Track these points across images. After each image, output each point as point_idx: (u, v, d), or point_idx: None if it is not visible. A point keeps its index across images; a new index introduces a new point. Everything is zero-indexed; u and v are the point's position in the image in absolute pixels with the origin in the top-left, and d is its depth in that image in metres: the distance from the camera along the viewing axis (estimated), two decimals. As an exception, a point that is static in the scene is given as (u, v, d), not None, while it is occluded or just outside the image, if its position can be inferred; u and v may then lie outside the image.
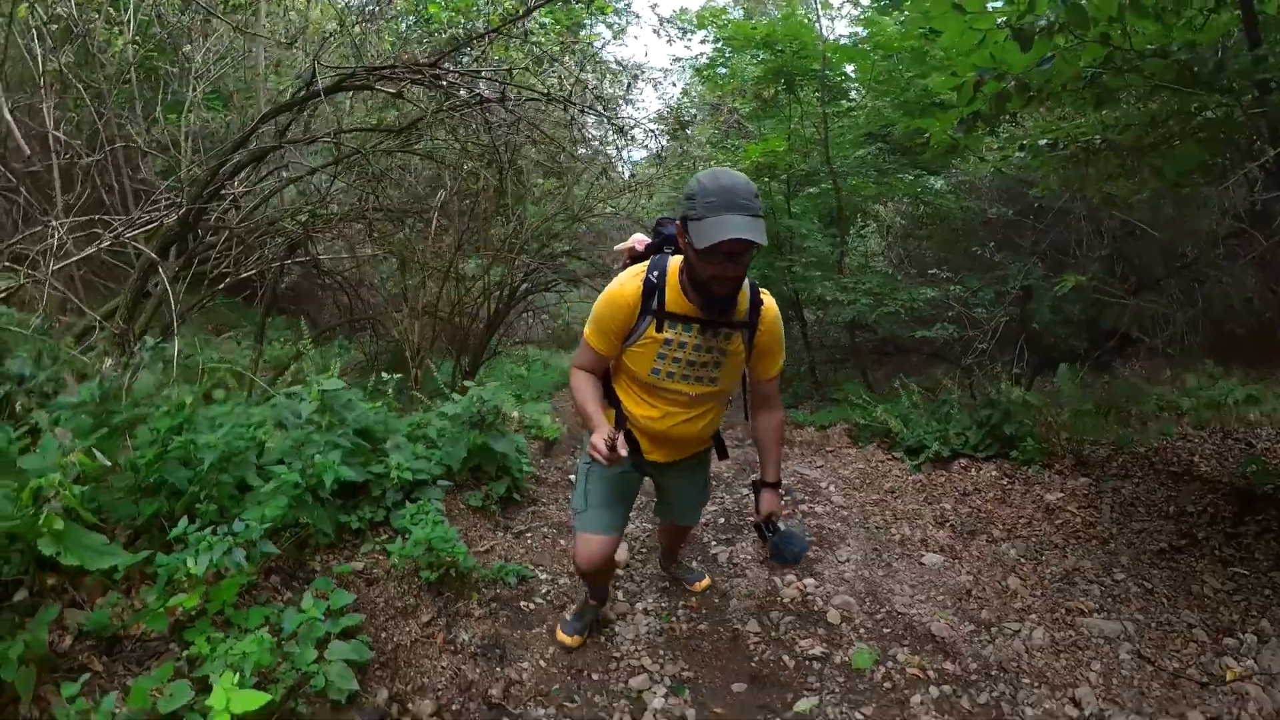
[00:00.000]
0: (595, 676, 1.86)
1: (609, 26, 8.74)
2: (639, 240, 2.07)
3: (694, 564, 2.67)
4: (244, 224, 3.18)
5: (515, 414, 3.76)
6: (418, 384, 4.26)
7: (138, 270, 2.45)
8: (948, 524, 2.87)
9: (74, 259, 2.39)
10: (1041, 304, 3.85)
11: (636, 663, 1.91)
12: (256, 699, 1.11)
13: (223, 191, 2.95)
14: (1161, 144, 2.38)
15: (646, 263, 1.75)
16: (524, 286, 5.58)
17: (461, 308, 5.08)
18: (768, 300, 1.77)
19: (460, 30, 3.04)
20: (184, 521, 1.42)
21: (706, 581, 2.53)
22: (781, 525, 1.83)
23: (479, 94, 2.86)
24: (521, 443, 3.13)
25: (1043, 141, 2.44)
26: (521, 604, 2.08)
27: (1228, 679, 1.86)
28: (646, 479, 1.99)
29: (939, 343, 3.97)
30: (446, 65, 2.71)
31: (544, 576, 2.30)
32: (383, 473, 2.20)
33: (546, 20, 4.37)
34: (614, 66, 4.70)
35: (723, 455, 2.03)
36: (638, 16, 11.77)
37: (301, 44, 3.36)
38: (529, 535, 2.62)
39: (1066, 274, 2.78)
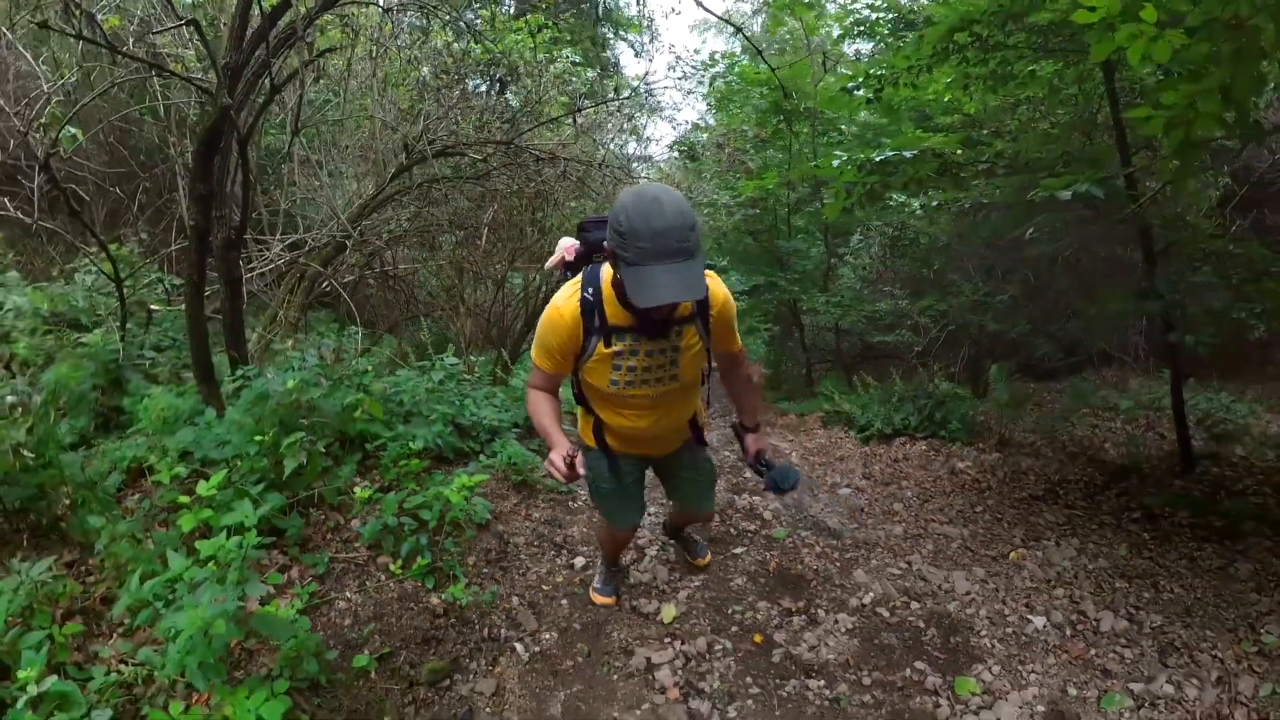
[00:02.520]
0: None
1: (631, 45, 10.29)
2: (568, 248, 2.20)
3: (698, 538, 3.04)
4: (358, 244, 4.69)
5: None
6: (470, 370, 5.75)
7: (306, 280, 3.96)
8: (871, 477, 4.26)
9: (269, 266, 3.89)
10: (985, 316, 5.23)
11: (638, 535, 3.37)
12: (459, 497, 2.56)
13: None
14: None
15: (579, 278, 1.84)
16: (556, 286, 7.05)
17: (504, 308, 6.56)
18: (713, 285, 1.84)
19: (526, 113, 4.52)
20: (401, 426, 2.91)
21: (708, 558, 2.93)
22: (774, 461, 2.05)
23: (536, 154, 4.36)
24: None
25: (934, 203, 3.86)
26: (568, 503, 3.55)
27: (1010, 557, 3.25)
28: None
29: (900, 346, 5.38)
30: (513, 140, 4.21)
31: (581, 493, 3.78)
32: (476, 421, 3.67)
33: (578, 57, 5.83)
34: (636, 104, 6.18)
35: (700, 441, 2.23)
36: (658, 43, 13.25)
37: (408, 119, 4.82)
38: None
39: (928, 296, 4.18)
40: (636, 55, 11.90)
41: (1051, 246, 3.70)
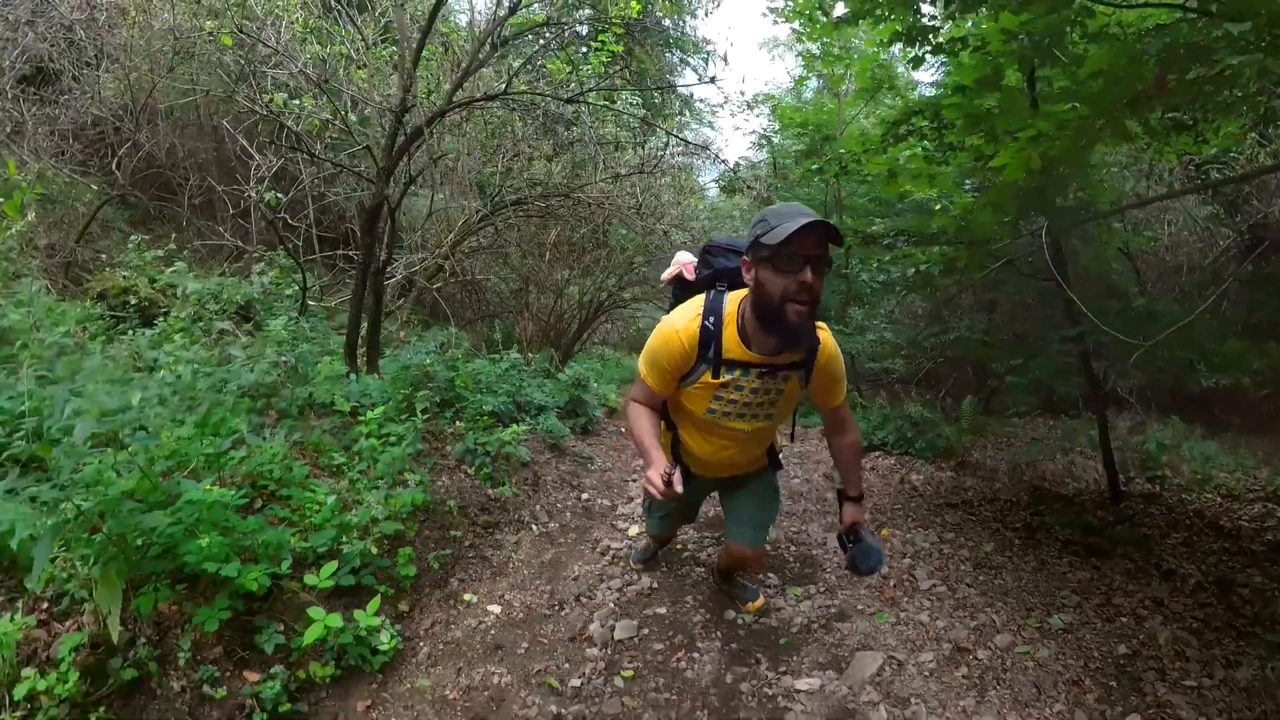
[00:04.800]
0: (623, 489, 5.15)
1: (694, 70, 12.06)
2: (685, 265, 2.46)
3: (748, 583, 3.26)
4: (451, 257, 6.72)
5: (595, 385, 7.15)
6: (528, 363, 7.70)
7: (415, 290, 5.99)
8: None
9: (392, 280, 5.94)
10: (965, 353, 6.68)
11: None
12: (510, 437, 4.43)
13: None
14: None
15: (700, 303, 2.03)
16: (606, 303, 8.94)
17: (560, 315, 8.48)
18: (824, 335, 2.02)
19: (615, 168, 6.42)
20: (479, 395, 4.83)
21: (761, 602, 3.14)
22: (863, 536, 2.18)
23: (589, 201, 6.27)
24: (596, 400, 6.50)
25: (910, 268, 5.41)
26: (589, 465, 5.38)
27: (882, 534, 4.77)
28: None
29: (891, 372, 6.96)
30: (572, 192, 6.15)
31: (598, 459, 5.60)
32: (529, 399, 5.56)
33: (636, 99, 7.65)
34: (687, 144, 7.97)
35: (775, 466, 2.44)
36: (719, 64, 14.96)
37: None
38: (591, 444, 5.93)
39: (923, 330, 5.76)
40: (700, 80, 13.71)
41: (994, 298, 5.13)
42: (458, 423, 4.29)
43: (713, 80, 5.32)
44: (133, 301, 5.02)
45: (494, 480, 4.11)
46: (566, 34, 5.30)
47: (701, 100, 9.36)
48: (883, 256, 5.28)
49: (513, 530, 3.93)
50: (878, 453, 6.39)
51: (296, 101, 4.98)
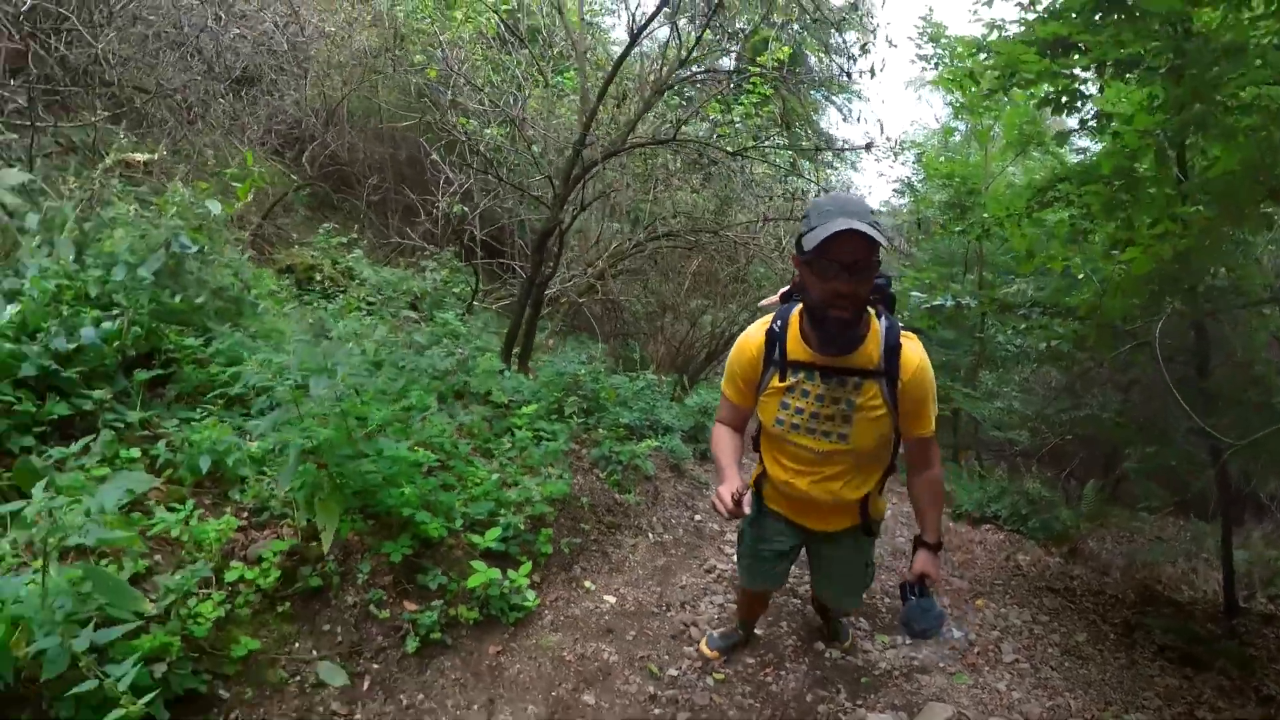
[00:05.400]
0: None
1: (839, 109, 12.28)
2: (781, 292, 2.53)
3: (842, 620, 3.39)
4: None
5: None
6: (659, 384, 8.29)
7: (569, 306, 6.70)
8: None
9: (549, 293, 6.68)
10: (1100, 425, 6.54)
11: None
12: (641, 451, 4.96)
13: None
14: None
15: (775, 313, 2.12)
16: (739, 334, 9.43)
17: (691, 343, 9.01)
18: (909, 345, 1.96)
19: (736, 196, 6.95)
20: (617, 408, 5.41)
21: (850, 642, 3.32)
22: (928, 592, 2.10)
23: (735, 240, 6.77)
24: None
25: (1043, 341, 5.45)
26: (704, 490, 5.80)
27: (976, 603, 4.82)
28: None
29: (1014, 442, 6.98)
30: (719, 230, 6.68)
31: (714, 485, 6.02)
32: (658, 419, 6.09)
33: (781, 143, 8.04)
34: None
35: (867, 531, 2.32)
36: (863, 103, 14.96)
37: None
38: (708, 471, 6.32)
39: (1056, 403, 5.81)
40: (845, 119, 13.90)
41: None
42: (600, 430, 4.86)
43: (868, 148, 5.59)
44: (316, 278, 5.94)
45: (621, 487, 4.64)
46: (723, 82, 5.79)
47: (845, 140, 9.61)
48: (1018, 323, 5.38)
49: (632, 534, 4.44)
50: (988, 526, 6.46)
51: (489, 130, 5.83)
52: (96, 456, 2.36)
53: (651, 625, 3.49)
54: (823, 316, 1.90)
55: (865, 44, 5.53)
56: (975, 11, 4.26)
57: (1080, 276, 4.69)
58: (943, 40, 6.68)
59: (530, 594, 3.09)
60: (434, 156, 6.37)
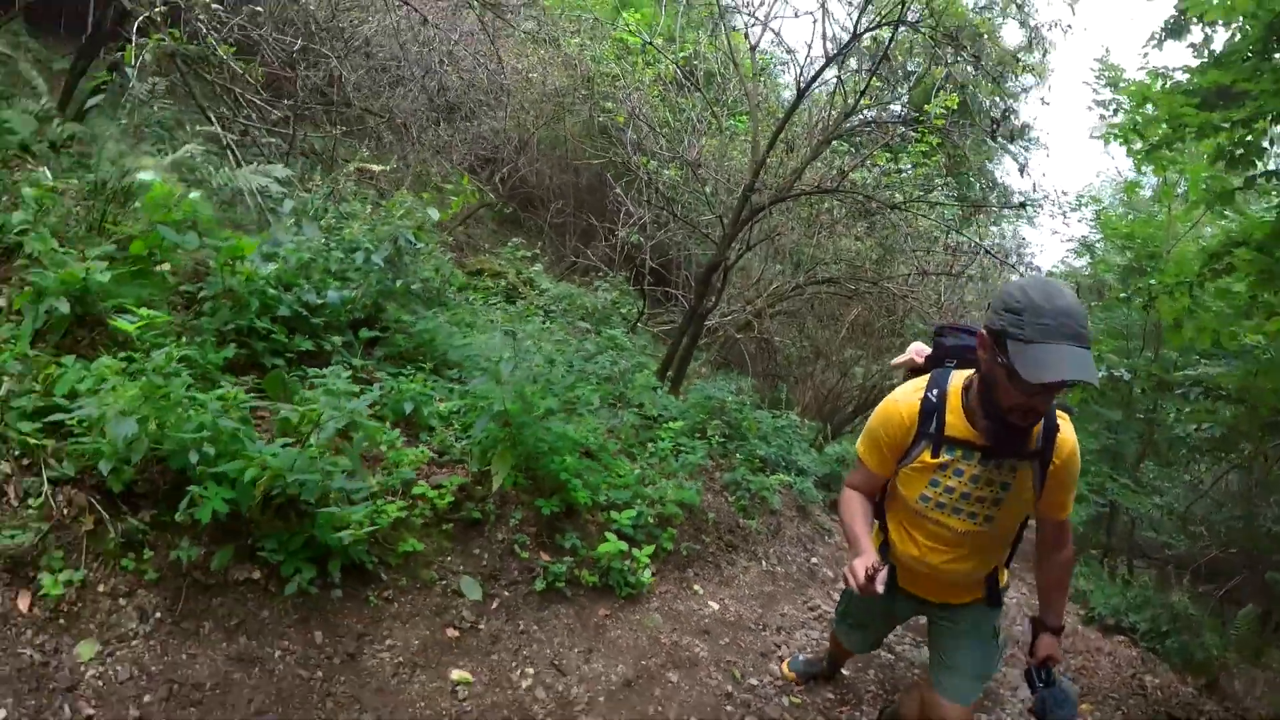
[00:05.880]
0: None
1: (1014, 158, 11.86)
2: (918, 352, 2.48)
3: None
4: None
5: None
6: (801, 428, 8.53)
7: (725, 339, 7.16)
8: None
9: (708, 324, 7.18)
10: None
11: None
12: (771, 484, 5.33)
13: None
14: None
15: (926, 378, 2.01)
16: (890, 390, 9.45)
17: (839, 393, 9.17)
18: (1065, 428, 1.90)
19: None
20: (755, 440, 5.77)
21: None
22: (1057, 679, 2.01)
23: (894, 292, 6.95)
24: None
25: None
26: (826, 537, 6.02)
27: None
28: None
29: (1167, 547, 6.47)
30: (879, 281, 6.88)
31: (836, 536, 6.12)
32: (795, 460, 6.34)
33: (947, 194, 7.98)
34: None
35: (993, 603, 2.21)
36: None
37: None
38: (835, 521, 6.50)
39: (1223, 510, 5.39)
40: (1021, 171, 13.35)
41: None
42: (736, 456, 5.26)
43: (1022, 206, 5.56)
44: (502, 284, 6.76)
45: (746, 513, 4.98)
46: (891, 132, 5.99)
47: (1020, 193, 9.18)
48: (1179, 405, 5.05)
49: (747, 558, 4.77)
50: (1121, 638, 6.12)
51: (667, 171, 6.47)
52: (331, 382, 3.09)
53: (745, 638, 3.81)
54: (1002, 418, 1.84)
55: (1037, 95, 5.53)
56: (1145, 54, 4.07)
57: (1266, 356, 4.34)
58: (1120, 85, 6.33)
59: (647, 575, 3.53)
60: (618, 190, 7.12)
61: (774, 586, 4.64)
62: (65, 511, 2.44)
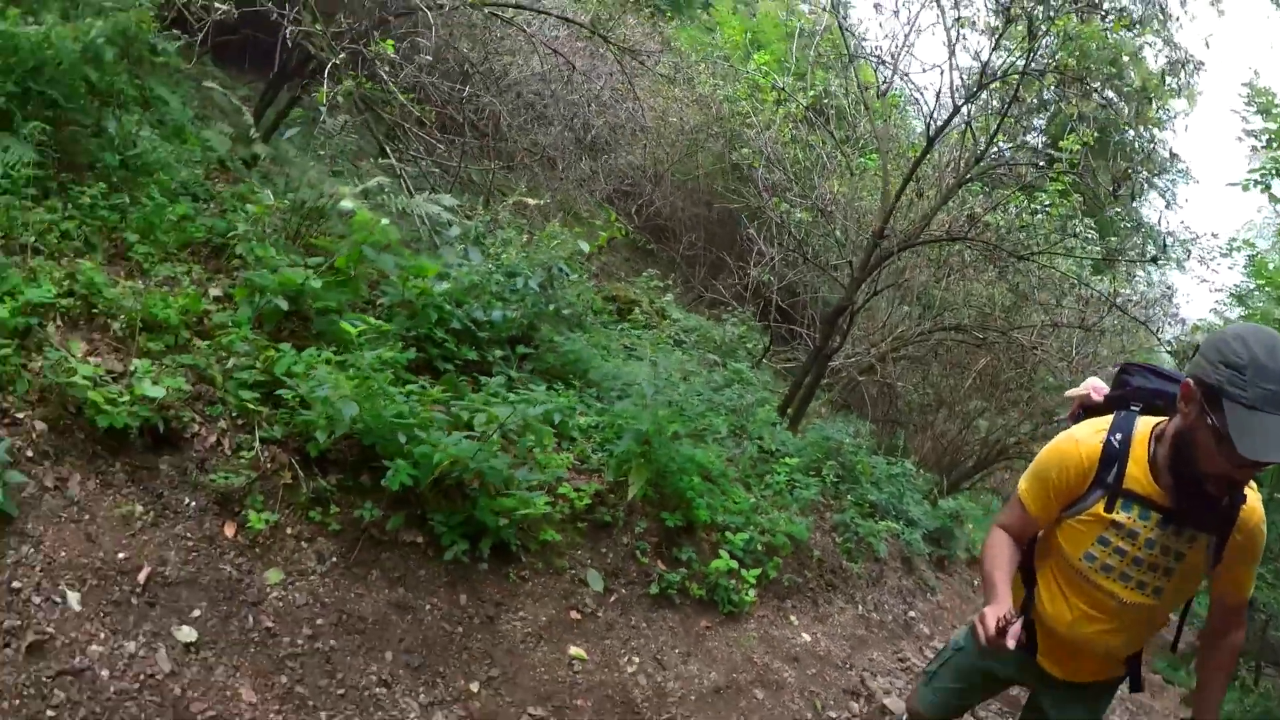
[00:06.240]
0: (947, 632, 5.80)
1: (1161, 194, 11.15)
2: (1095, 388, 2.20)
3: None
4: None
5: (969, 527, 7.71)
6: (916, 478, 8.51)
7: (848, 381, 7.35)
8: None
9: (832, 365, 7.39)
10: None
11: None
12: (879, 529, 5.50)
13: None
14: None
15: (1108, 419, 1.81)
16: (1012, 449, 9.23)
17: (960, 446, 9.07)
18: (1253, 498, 1.71)
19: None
20: (868, 484, 5.96)
21: None
22: None
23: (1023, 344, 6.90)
24: (965, 541, 7.09)
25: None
26: (928, 594, 6.08)
27: None
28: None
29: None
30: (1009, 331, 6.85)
31: (939, 594, 6.23)
32: (905, 509, 6.43)
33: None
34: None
35: (1135, 687, 2.04)
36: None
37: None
38: (940, 579, 6.56)
39: None
40: (1167, 205, 12.54)
41: None
42: (848, 499, 5.48)
43: (1154, 260, 5.36)
44: (635, 312, 7.21)
45: (850, 555, 5.19)
46: (1024, 175, 5.99)
47: (1168, 233, 8.45)
48: None
49: (843, 599, 4.98)
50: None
51: (799, 214, 6.76)
52: (493, 389, 3.61)
53: (830, 673, 4.08)
54: (1194, 481, 1.67)
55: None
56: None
57: None
58: (1273, 111, 5.72)
59: (750, 595, 3.86)
60: (750, 230, 7.49)
61: (867, 631, 4.83)
62: (269, 466, 3.03)
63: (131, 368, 2.89)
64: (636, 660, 3.30)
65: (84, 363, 2.77)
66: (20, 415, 2.62)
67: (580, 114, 7.56)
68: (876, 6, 7.01)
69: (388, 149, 5.30)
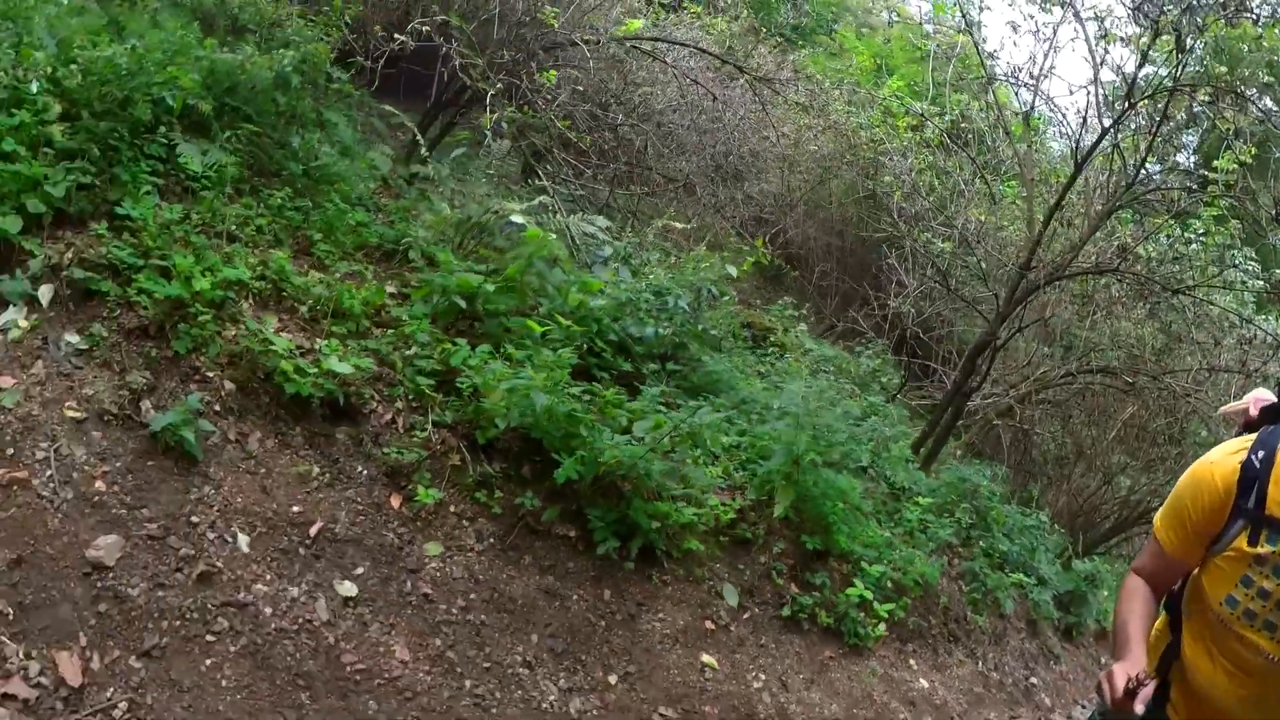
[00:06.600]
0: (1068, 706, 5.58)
1: None
2: (1256, 400, 1.99)
3: None
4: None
5: (1103, 594, 7.34)
6: (1049, 532, 8.13)
7: (983, 423, 7.16)
8: None
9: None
10: None
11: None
12: (1008, 581, 5.37)
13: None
14: None
15: (1251, 438, 1.56)
16: (1155, 511, 8.69)
17: (1098, 503, 8.60)
18: None
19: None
20: (1000, 534, 5.82)
21: None
22: None
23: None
24: (1096, 610, 6.77)
25: None
26: (1051, 661, 5.84)
27: None
28: None
29: None
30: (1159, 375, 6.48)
31: (1064, 663, 5.97)
32: (1034, 565, 6.20)
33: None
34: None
35: None
36: None
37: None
38: (1066, 648, 6.30)
39: None
40: None
41: None
42: (978, 546, 5.38)
43: None
44: (770, 339, 7.27)
45: (975, 607, 5.08)
46: (1177, 201, 5.60)
47: None
48: None
49: (964, 652, 4.88)
50: None
51: (943, 245, 6.63)
52: (648, 399, 3.81)
53: (944, 720, 4.03)
54: None
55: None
56: None
57: None
58: None
59: (880, 630, 3.88)
60: (890, 260, 7.42)
61: (984, 690, 4.73)
62: (439, 447, 3.32)
63: (317, 346, 3.26)
64: (763, 678, 3.40)
65: (278, 335, 3.15)
66: (210, 374, 3.01)
67: (717, 142, 7.76)
68: (1013, 26, 6.83)
69: (540, 171, 5.65)
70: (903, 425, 6.51)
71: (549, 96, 5.39)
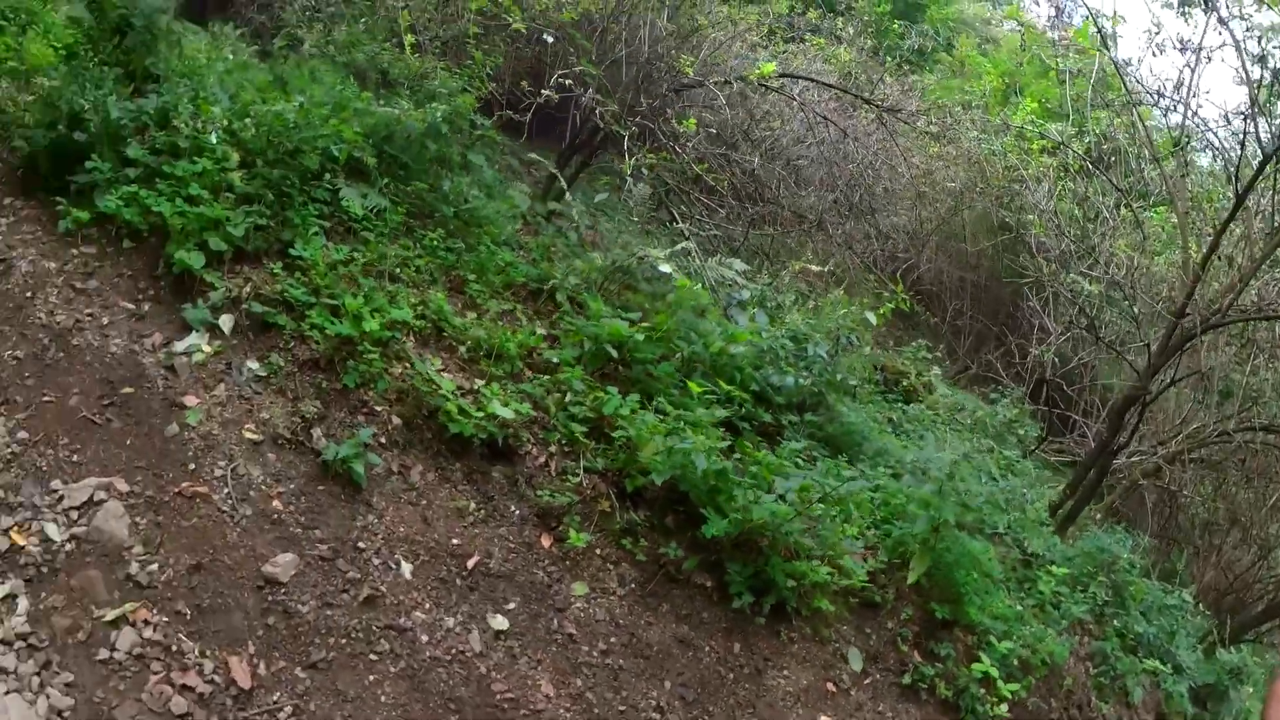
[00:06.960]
0: None
1: None
2: None
3: None
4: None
5: (1248, 690, 6.86)
6: (1193, 614, 7.65)
7: (1127, 486, 6.87)
8: None
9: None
10: None
11: None
12: (1139, 674, 5.19)
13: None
14: None
15: None
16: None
17: (1251, 581, 7.99)
18: None
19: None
20: (1137, 611, 5.61)
21: None
22: None
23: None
24: (1238, 708, 6.35)
25: None
26: None
27: None
28: None
29: None
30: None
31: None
32: (1175, 654, 5.89)
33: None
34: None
35: None
36: None
37: None
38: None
39: None
40: None
41: None
42: (1112, 624, 5.22)
43: None
44: (902, 383, 7.22)
45: (1101, 694, 4.93)
46: None
47: None
48: None
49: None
50: None
51: (1089, 288, 6.37)
52: (787, 453, 3.96)
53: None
54: None
55: None
56: None
57: None
58: None
59: (1003, 710, 3.86)
60: (1033, 303, 7.19)
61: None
62: (590, 492, 3.58)
63: (477, 387, 3.57)
64: (879, 746, 3.48)
65: (441, 375, 3.48)
66: (378, 409, 3.36)
67: (848, 177, 7.77)
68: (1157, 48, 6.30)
69: (675, 214, 5.88)
70: (1039, 484, 6.37)
71: (682, 140, 5.60)
